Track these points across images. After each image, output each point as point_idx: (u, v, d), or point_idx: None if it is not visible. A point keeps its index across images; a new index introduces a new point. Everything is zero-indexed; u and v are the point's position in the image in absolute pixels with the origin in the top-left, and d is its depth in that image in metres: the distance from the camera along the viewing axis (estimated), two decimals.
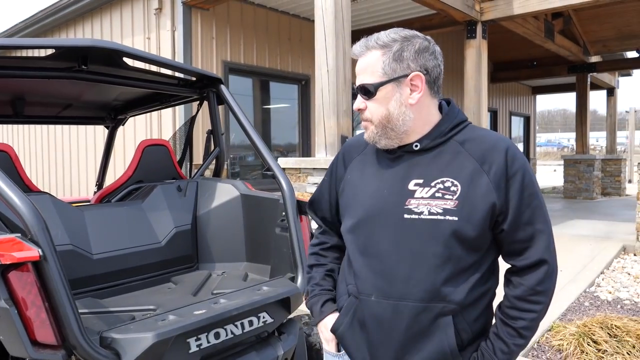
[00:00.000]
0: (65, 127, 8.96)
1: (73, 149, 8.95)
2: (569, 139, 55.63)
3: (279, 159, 5.81)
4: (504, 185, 1.28)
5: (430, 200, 1.29)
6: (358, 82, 1.37)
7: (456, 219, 1.26)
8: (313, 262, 1.61)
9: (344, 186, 1.49)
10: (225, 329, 1.88)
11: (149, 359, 1.69)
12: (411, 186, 1.33)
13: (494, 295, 1.40)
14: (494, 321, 1.39)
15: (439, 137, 1.36)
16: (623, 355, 3.59)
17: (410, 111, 1.35)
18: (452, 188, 1.29)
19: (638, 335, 3.76)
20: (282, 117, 8.74)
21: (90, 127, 8.37)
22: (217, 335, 1.86)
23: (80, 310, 2.06)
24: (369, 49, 1.35)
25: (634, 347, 3.64)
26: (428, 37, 1.39)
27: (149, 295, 2.36)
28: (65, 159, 9.18)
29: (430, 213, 1.28)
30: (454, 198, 1.28)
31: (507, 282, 1.36)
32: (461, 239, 1.27)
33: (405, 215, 1.31)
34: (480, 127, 1.43)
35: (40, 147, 9.91)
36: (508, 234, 1.31)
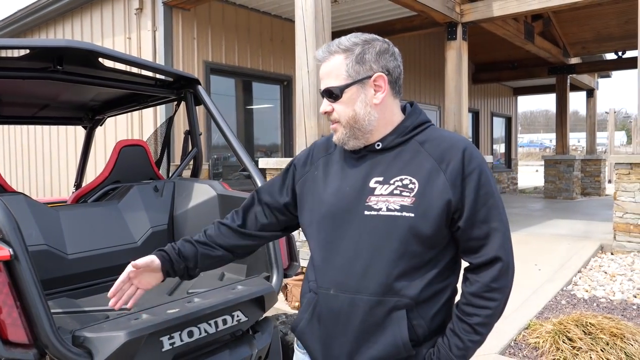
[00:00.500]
0: (45, 127, 8.88)
1: (54, 149, 8.87)
2: (551, 139, 56.24)
3: (260, 159, 5.83)
4: (460, 183, 1.32)
5: (388, 197, 1.33)
6: (323, 86, 1.41)
7: (412, 215, 1.30)
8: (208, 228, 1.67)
9: (306, 180, 1.53)
10: (199, 328, 1.89)
11: (121, 357, 1.70)
12: (372, 184, 1.37)
13: (454, 292, 1.43)
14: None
15: (399, 137, 1.41)
16: (597, 352, 3.66)
17: (375, 111, 1.39)
18: (410, 186, 1.33)
19: (612, 332, 3.84)
20: (265, 117, 8.75)
21: (70, 128, 8.30)
22: (190, 334, 1.87)
23: (54, 310, 2.07)
24: (331, 53, 1.39)
25: (607, 344, 3.72)
26: (387, 40, 1.44)
27: None
28: (45, 160, 9.09)
29: (388, 209, 1.32)
30: (411, 195, 1.32)
31: (464, 279, 1.39)
32: (417, 235, 1.31)
33: (366, 212, 1.35)
34: (441, 129, 1.47)
35: (21, 148, 9.80)
36: (464, 231, 1.34)
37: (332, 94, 1.39)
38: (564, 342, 3.83)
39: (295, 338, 1.54)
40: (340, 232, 1.38)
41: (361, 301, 1.33)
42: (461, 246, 1.38)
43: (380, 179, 1.37)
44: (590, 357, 3.62)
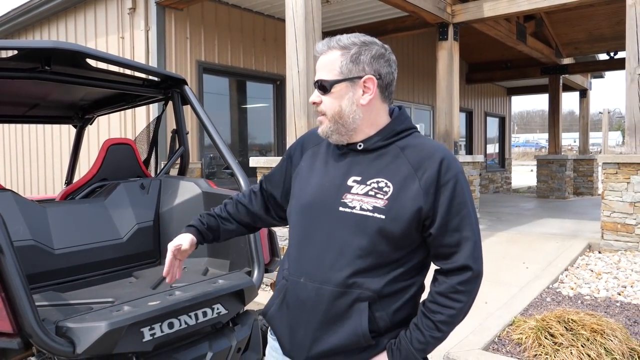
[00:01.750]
0: (39, 125, 8.93)
1: (47, 147, 8.92)
2: (547, 139, 56.30)
3: (251, 158, 5.89)
4: (434, 192, 1.38)
5: (363, 197, 1.40)
6: (316, 78, 1.47)
7: (383, 217, 1.37)
8: (224, 204, 1.82)
9: (297, 173, 1.60)
10: (179, 319, 1.96)
11: (103, 347, 1.76)
12: (349, 182, 1.43)
13: (420, 289, 1.49)
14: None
15: (381, 140, 1.46)
16: (577, 347, 3.73)
17: (360, 111, 1.44)
18: (385, 189, 1.39)
19: (593, 328, 3.91)
20: (259, 116, 8.82)
21: (64, 125, 8.36)
22: (170, 325, 1.94)
23: (41, 303, 2.14)
24: (330, 48, 1.45)
25: (587, 339, 3.79)
26: (385, 46, 1.49)
27: (109, 289, 2.42)
28: (40, 157, 9.14)
29: (361, 209, 1.39)
30: (384, 198, 1.38)
31: (434, 280, 1.45)
32: (386, 236, 1.37)
33: (340, 208, 1.41)
34: (424, 136, 1.52)
35: (15, 146, 9.84)
36: (436, 238, 1.40)
37: (322, 86, 1.45)
38: (545, 338, 3.90)
39: (269, 327, 1.61)
40: (315, 224, 1.45)
41: (327, 291, 1.40)
42: (432, 251, 1.44)
43: (358, 178, 1.43)
44: (571, 353, 3.69)
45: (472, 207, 1.43)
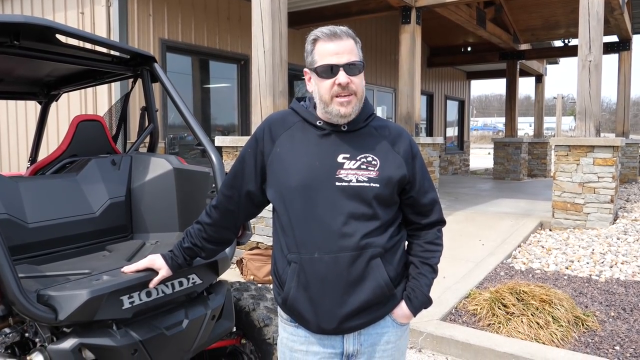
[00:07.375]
0: (1, 102, 8.64)
1: (11, 125, 8.63)
2: (504, 123, 57.50)
3: (217, 137, 5.91)
4: (411, 162, 1.71)
5: (357, 170, 1.62)
6: (346, 60, 1.59)
7: (378, 185, 1.61)
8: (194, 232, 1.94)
9: (273, 159, 1.69)
10: (157, 289, 2.03)
11: (84, 314, 1.83)
12: (340, 159, 1.63)
13: (405, 242, 1.78)
14: (411, 267, 1.75)
15: (361, 122, 1.69)
16: (527, 316, 3.99)
17: None
18: (373, 162, 1.64)
19: (542, 299, 4.18)
20: (222, 96, 8.79)
21: (20, 105, 8.14)
22: (148, 294, 2.02)
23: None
24: (348, 36, 1.63)
25: (537, 309, 4.05)
26: None
27: (84, 262, 2.47)
28: (2, 135, 8.86)
29: (357, 181, 1.61)
30: (375, 169, 1.63)
31: (415, 236, 1.78)
32: (381, 201, 1.63)
33: (337, 183, 1.60)
34: (383, 118, 1.81)
35: None
36: (416, 199, 1.73)
37: (358, 68, 1.61)
38: (499, 308, 4.15)
39: (281, 317, 1.74)
40: (314, 202, 1.60)
41: (344, 257, 1.58)
42: (412, 210, 1.75)
43: (347, 155, 1.63)
44: (522, 321, 3.95)
45: None
